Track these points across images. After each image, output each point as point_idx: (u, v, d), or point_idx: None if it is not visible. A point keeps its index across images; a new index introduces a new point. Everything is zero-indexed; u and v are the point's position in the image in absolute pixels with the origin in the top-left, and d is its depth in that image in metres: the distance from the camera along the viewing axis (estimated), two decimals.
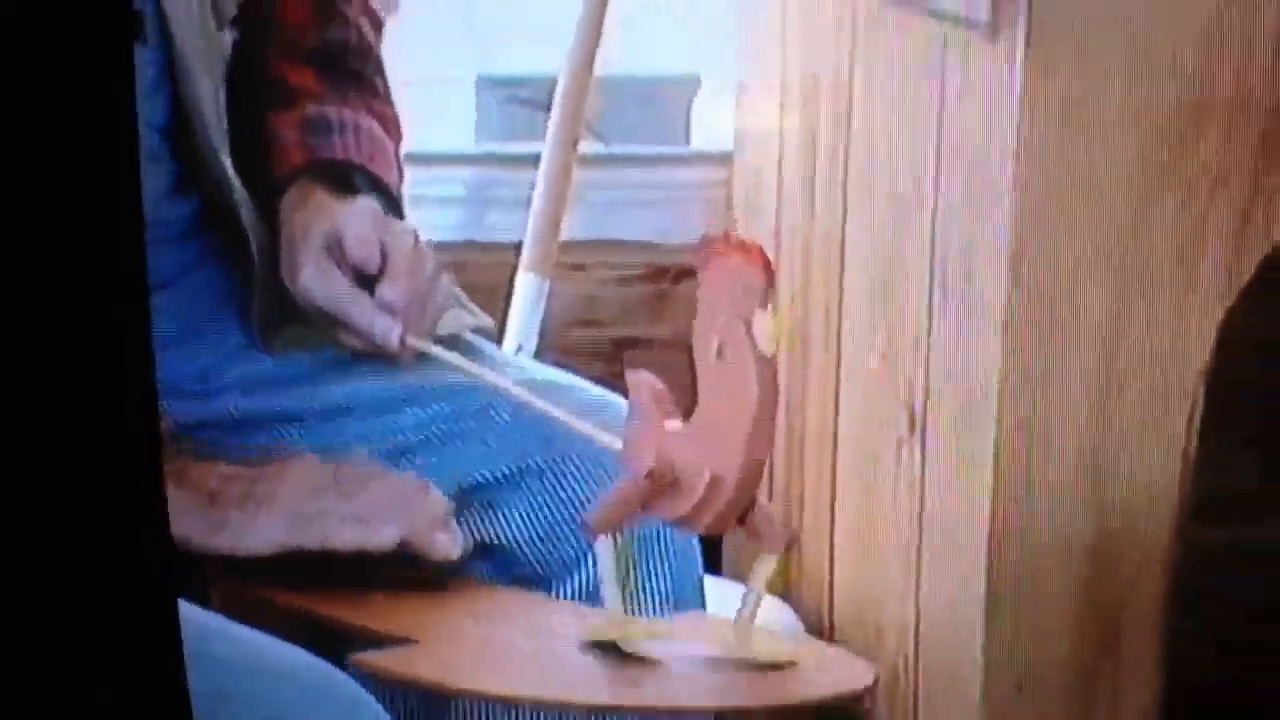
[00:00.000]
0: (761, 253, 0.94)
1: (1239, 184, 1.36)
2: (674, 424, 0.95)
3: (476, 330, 1.21)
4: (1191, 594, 1.41)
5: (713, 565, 1.28)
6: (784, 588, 1.72)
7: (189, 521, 0.96)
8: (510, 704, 1.03)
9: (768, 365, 0.92)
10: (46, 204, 0.64)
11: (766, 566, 0.97)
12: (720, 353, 0.93)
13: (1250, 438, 1.59)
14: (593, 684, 0.98)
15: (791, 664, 1.00)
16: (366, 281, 1.12)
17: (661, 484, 0.93)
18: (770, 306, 0.92)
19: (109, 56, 0.66)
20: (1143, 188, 1.36)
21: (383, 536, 1.02)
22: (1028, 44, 1.33)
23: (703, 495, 0.91)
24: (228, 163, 1.15)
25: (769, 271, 0.93)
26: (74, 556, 0.68)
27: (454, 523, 1.04)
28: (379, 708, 0.94)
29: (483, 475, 1.12)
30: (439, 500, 1.05)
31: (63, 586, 0.69)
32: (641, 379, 0.97)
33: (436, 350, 1.13)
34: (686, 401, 0.94)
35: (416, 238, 1.15)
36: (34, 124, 0.63)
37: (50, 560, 0.68)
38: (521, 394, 1.09)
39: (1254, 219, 1.37)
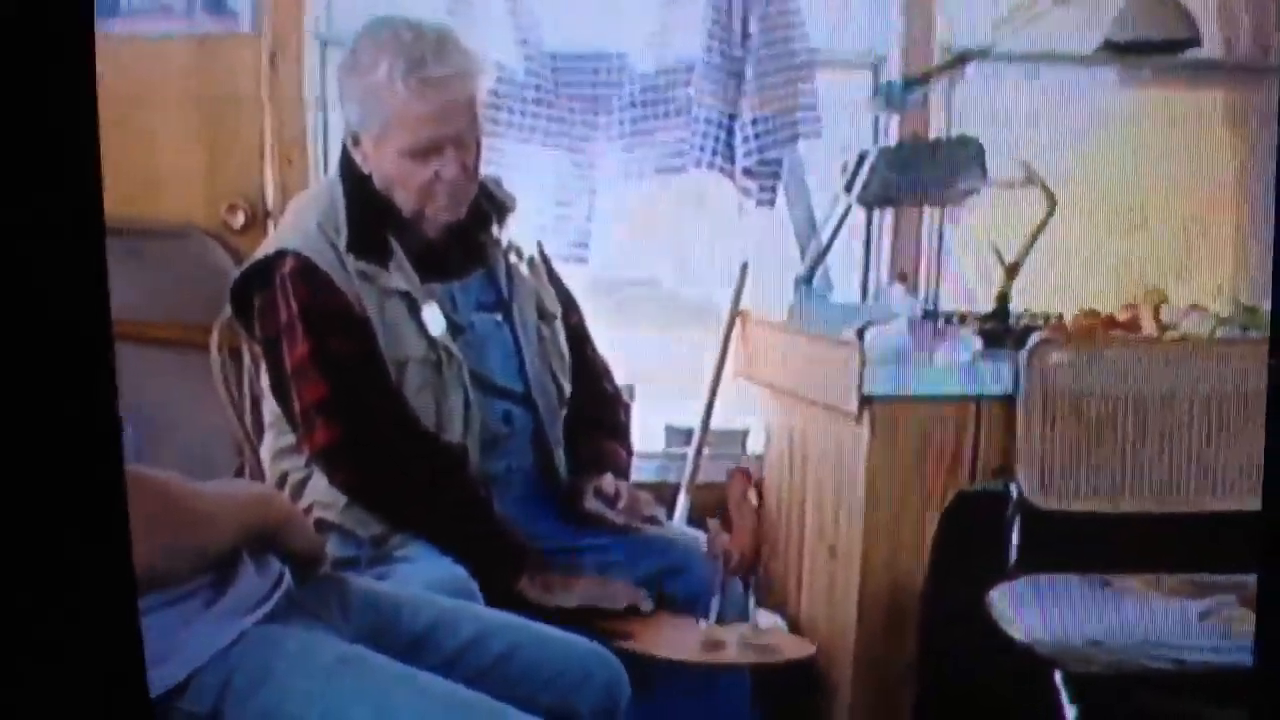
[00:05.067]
0: (746, 476, 2.69)
1: None
2: (724, 536, 2.66)
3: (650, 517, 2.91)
4: None
5: None
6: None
7: (556, 596, 2.62)
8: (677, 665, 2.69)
9: (754, 512, 2.65)
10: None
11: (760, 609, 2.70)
12: (738, 505, 2.67)
13: None
14: (702, 651, 2.67)
15: (778, 644, 2.70)
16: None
17: (725, 557, 2.66)
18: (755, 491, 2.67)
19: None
20: None
21: (619, 602, 2.69)
22: None
23: (735, 561, 2.62)
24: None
25: (753, 485, 2.68)
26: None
27: (646, 594, 2.72)
28: (625, 678, 2.32)
29: (659, 569, 2.81)
30: (640, 591, 2.73)
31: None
32: (712, 525, 2.70)
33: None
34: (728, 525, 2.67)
35: None
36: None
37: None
38: (681, 534, 2.80)
39: None
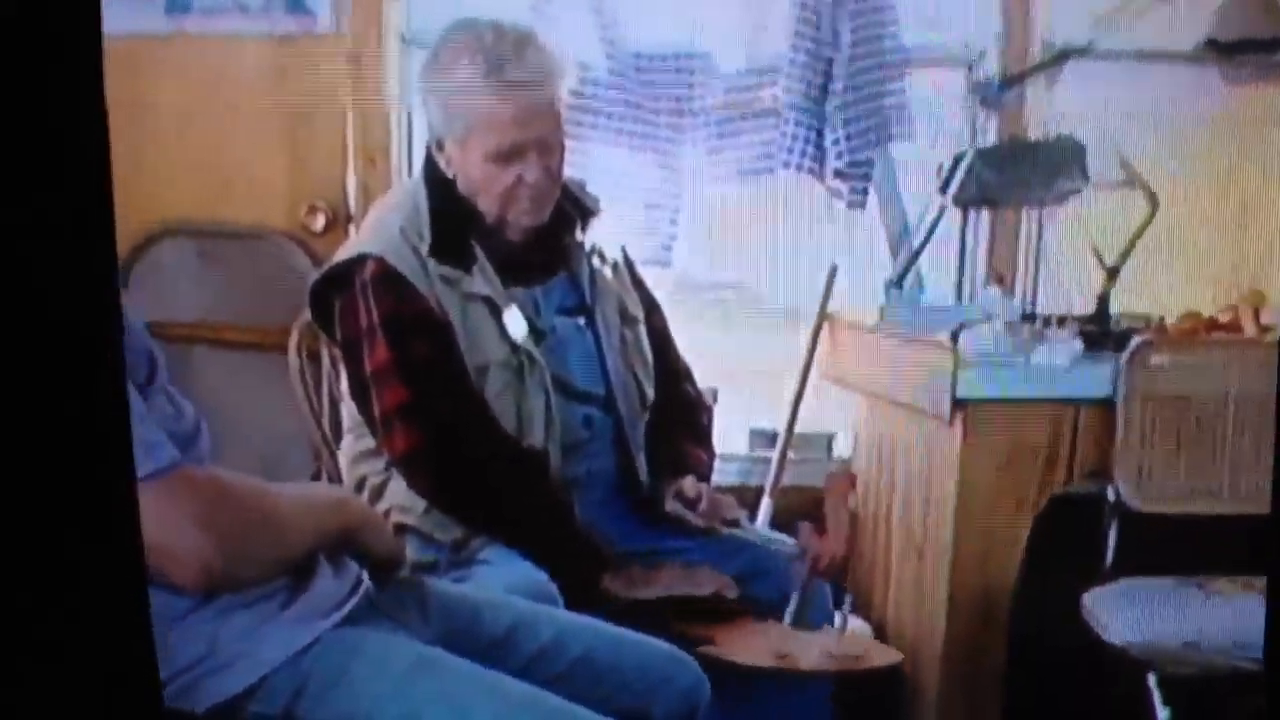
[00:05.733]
0: (849, 480, 2.65)
1: None
2: (816, 538, 2.64)
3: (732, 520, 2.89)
4: None
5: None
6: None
7: (639, 589, 2.60)
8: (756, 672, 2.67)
9: (851, 516, 2.63)
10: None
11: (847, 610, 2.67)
12: (835, 508, 2.64)
13: None
14: (782, 657, 2.64)
15: (861, 651, 2.66)
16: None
17: (815, 559, 2.63)
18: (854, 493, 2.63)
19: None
20: None
21: (704, 588, 2.68)
22: None
23: (825, 564, 2.59)
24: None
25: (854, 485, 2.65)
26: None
27: (730, 580, 2.72)
28: (705, 681, 2.37)
29: (740, 572, 2.81)
30: (725, 578, 2.72)
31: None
32: (804, 527, 2.68)
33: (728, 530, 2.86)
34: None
35: None
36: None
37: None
38: (763, 537, 2.79)
39: None
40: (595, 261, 2.97)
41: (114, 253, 0.70)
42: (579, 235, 2.97)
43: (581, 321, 2.93)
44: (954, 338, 3.36)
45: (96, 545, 0.77)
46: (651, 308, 3.08)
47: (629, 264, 3.08)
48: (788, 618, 2.78)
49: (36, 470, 0.75)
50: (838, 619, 2.78)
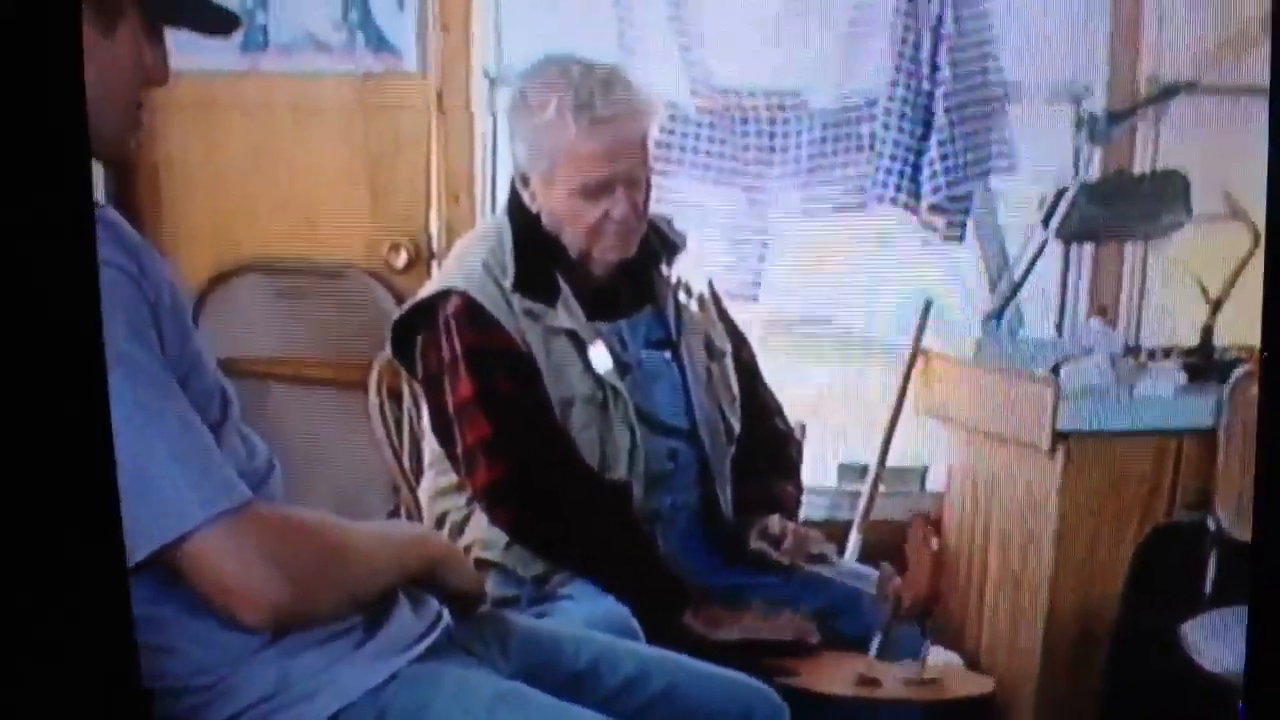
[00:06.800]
0: (928, 521, 2.64)
1: None
2: (897, 579, 2.62)
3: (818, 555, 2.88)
4: None
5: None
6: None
7: (720, 630, 2.60)
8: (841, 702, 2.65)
9: (933, 557, 2.60)
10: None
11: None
12: (917, 549, 2.62)
13: None
14: (862, 686, 2.64)
15: (946, 680, 2.65)
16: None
17: (896, 601, 2.62)
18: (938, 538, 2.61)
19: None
20: None
21: (785, 634, 2.67)
22: None
23: (908, 605, 2.57)
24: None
25: (934, 529, 2.64)
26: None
27: (814, 626, 2.70)
28: (788, 715, 2.37)
29: (824, 607, 2.79)
30: (808, 624, 2.69)
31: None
32: (884, 568, 2.67)
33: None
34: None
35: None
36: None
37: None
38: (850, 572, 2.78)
39: None
40: (681, 296, 2.98)
41: (94, 246, 0.69)
42: (665, 270, 2.98)
43: (667, 355, 2.93)
44: (1055, 370, 3.36)
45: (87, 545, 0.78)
46: (739, 342, 3.08)
47: (716, 298, 3.09)
48: (871, 651, 2.76)
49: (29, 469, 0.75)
50: (923, 654, 2.76)
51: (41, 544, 0.79)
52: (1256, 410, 1.63)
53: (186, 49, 1.91)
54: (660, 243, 2.99)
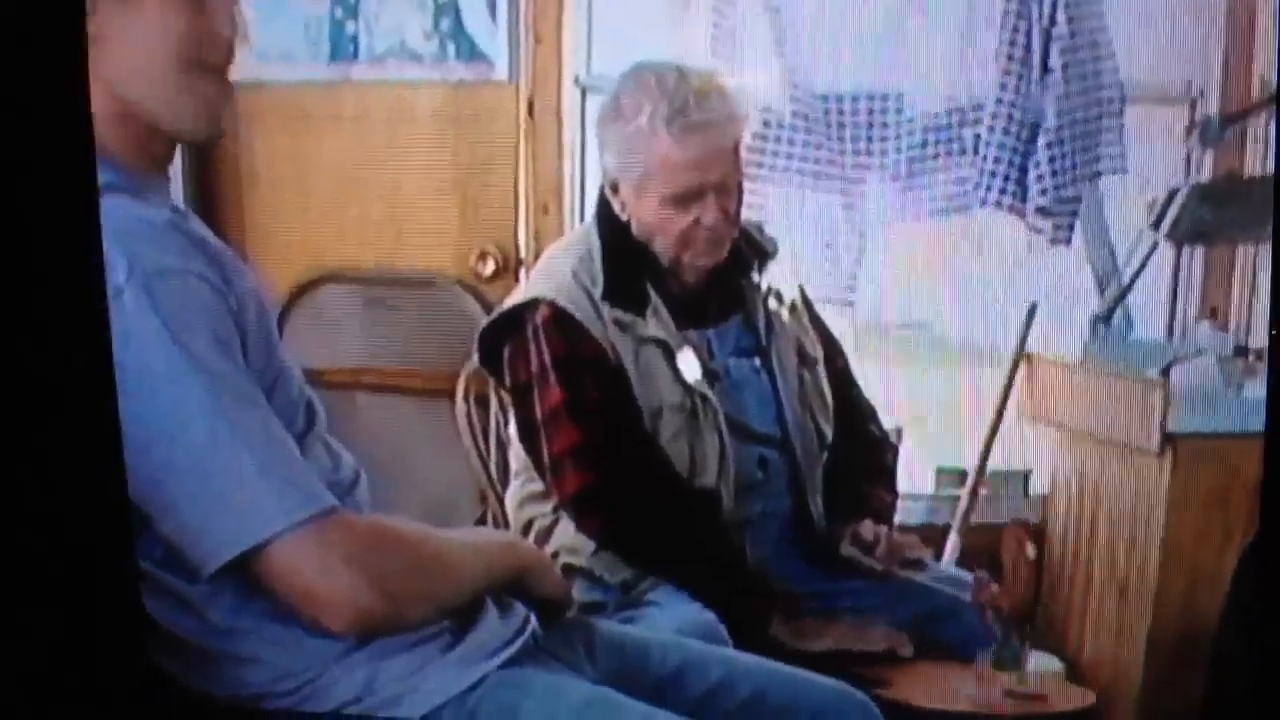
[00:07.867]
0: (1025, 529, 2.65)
1: None
2: (992, 586, 2.62)
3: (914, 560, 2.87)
4: None
5: None
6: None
7: (808, 640, 2.61)
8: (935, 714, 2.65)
9: (1030, 565, 2.59)
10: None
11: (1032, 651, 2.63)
12: (1014, 558, 2.61)
13: None
14: (963, 700, 2.62)
15: (1049, 693, 2.62)
16: None
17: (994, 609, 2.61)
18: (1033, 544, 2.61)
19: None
20: None
21: (876, 645, 2.68)
22: None
23: (1005, 613, 2.56)
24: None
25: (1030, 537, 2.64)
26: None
27: (906, 638, 2.68)
28: (879, 716, 2.33)
29: (920, 614, 2.78)
30: (900, 635, 2.68)
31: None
32: (981, 576, 2.65)
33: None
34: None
35: None
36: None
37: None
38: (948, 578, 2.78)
39: None
40: (772, 303, 2.98)
41: (99, 243, 0.69)
42: (755, 276, 2.98)
43: (757, 363, 2.93)
44: (1165, 373, 3.34)
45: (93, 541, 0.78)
46: (832, 348, 3.07)
47: (807, 304, 3.08)
48: (978, 665, 2.74)
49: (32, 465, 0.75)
50: (1024, 662, 2.74)
51: (44, 544, 0.77)
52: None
53: (275, 61, 1.92)
54: (751, 249, 2.99)
